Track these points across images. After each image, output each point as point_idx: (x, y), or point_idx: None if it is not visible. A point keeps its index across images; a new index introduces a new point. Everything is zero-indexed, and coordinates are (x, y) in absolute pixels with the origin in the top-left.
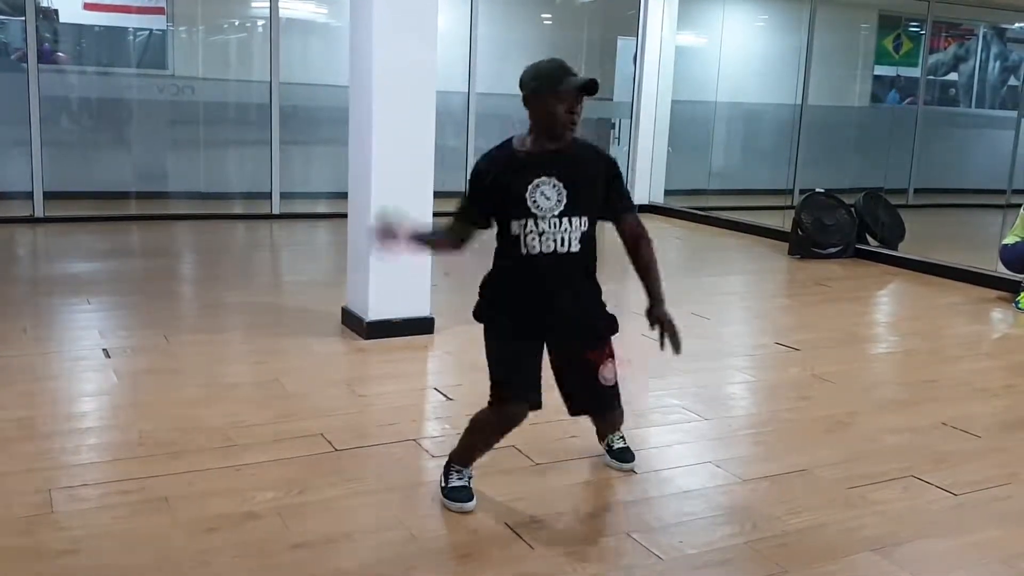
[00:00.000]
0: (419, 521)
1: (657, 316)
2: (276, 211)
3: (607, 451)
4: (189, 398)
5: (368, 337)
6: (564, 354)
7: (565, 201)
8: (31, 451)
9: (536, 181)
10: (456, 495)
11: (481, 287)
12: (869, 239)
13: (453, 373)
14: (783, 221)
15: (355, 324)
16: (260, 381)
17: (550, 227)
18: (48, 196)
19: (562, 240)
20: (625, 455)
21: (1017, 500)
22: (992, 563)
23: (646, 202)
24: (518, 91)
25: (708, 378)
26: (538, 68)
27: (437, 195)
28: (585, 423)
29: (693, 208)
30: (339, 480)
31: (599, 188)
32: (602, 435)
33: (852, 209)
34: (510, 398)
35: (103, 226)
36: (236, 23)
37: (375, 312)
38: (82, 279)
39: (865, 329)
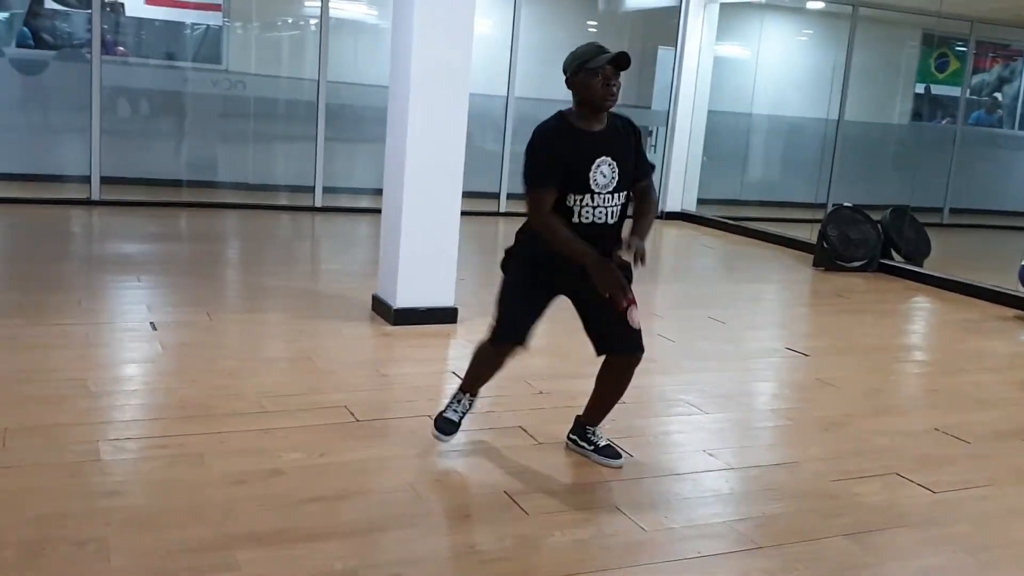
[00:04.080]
0: (426, 485)
1: (635, 245)
2: (319, 204)
3: (593, 450)
4: (226, 369)
5: (395, 323)
6: (593, 300)
7: (617, 178)
8: (83, 407)
9: (598, 160)
10: (440, 424)
11: (515, 243)
12: (894, 254)
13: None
14: (811, 234)
15: (384, 311)
16: (293, 357)
17: (603, 202)
18: (104, 180)
19: (610, 213)
20: (610, 451)
21: (993, 501)
22: (958, 553)
23: (678, 210)
24: (557, 97)
25: (714, 377)
26: (575, 51)
27: (468, 195)
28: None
29: (724, 217)
30: (357, 446)
31: (633, 157)
32: (591, 416)
33: (878, 224)
34: (499, 337)
35: (155, 211)
36: (288, 21)
37: (402, 300)
38: (133, 259)
39: (876, 340)
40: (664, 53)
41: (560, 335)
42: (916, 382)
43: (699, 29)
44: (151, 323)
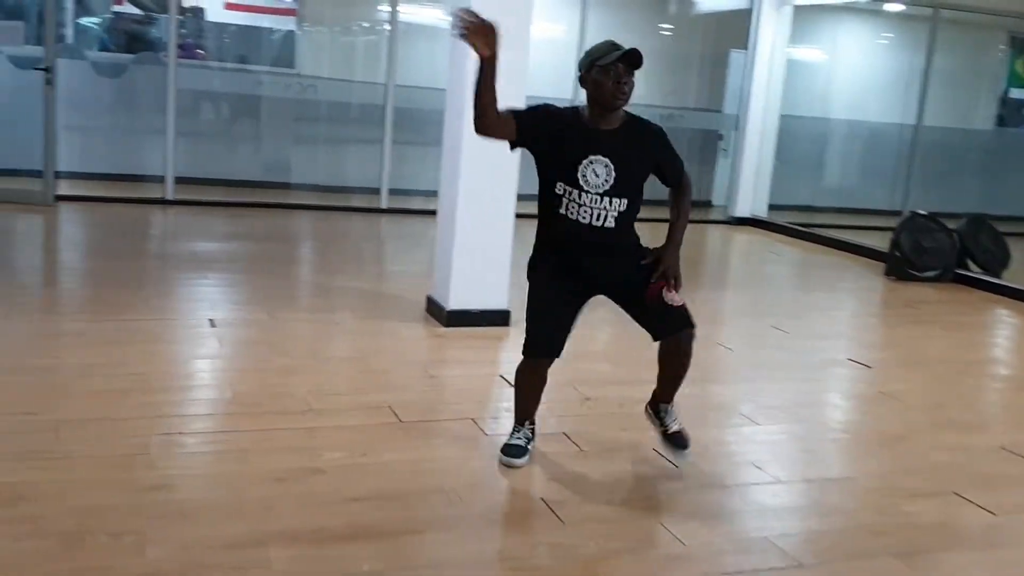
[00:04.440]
0: (465, 489)
1: (664, 257)
2: (384, 206)
3: (661, 435)
4: (280, 367)
5: (447, 325)
6: (625, 294)
7: (612, 182)
8: (138, 402)
9: (591, 157)
10: (507, 450)
11: (535, 248)
12: (970, 264)
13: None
14: (885, 242)
15: (437, 312)
16: (345, 357)
17: (590, 201)
18: (179, 180)
19: (598, 215)
20: (678, 440)
21: None
22: None
23: (748, 215)
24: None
25: (771, 388)
26: (588, 49)
27: (523, 197)
28: (638, 416)
29: (796, 224)
30: (399, 447)
31: (648, 165)
32: (662, 394)
33: (954, 233)
34: (531, 352)
35: (227, 211)
36: (360, 26)
37: (455, 302)
38: (202, 257)
39: (945, 352)
40: (737, 56)
41: (613, 339)
42: (985, 397)
43: (771, 32)
44: (210, 320)
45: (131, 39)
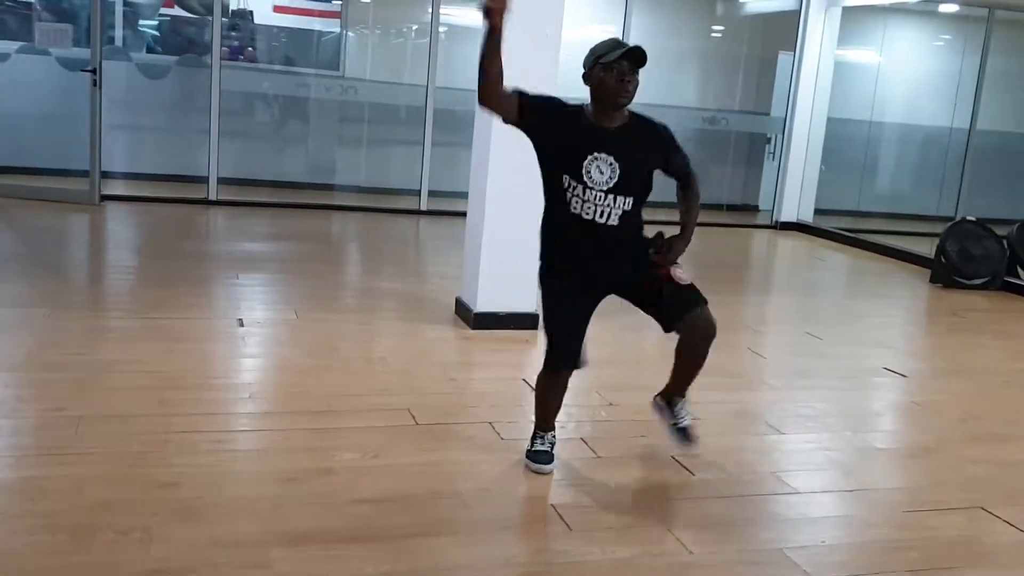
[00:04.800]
0: (475, 493)
1: (673, 246)
2: (423, 207)
3: (671, 428)
4: (302, 367)
5: (475, 327)
6: (632, 287)
7: (616, 179)
8: (158, 399)
9: (596, 154)
10: (536, 457)
11: (541, 250)
12: (1021, 272)
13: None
14: (933, 249)
15: (465, 314)
16: (369, 358)
17: (594, 198)
18: (221, 181)
19: (602, 213)
20: (687, 434)
21: None
22: None
23: (794, 219)
24: (669, 102)
25: (800, 396)
26: (593, 46)
27: None
28: (658, 422)
29: (842, 229)
30: (412, 450)
31: (654, 164)
32: (675, 387)
33: (1003, 240)
34: (555, 365)
35: (269, 212)
36: (404, 29)
37: (483, 304)
38: (238, 257)
39: (987, 362)
40: (784, 59)
41: (636, 344)
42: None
43: (819, 33)
44: (239, 320)
45: (183, 42)
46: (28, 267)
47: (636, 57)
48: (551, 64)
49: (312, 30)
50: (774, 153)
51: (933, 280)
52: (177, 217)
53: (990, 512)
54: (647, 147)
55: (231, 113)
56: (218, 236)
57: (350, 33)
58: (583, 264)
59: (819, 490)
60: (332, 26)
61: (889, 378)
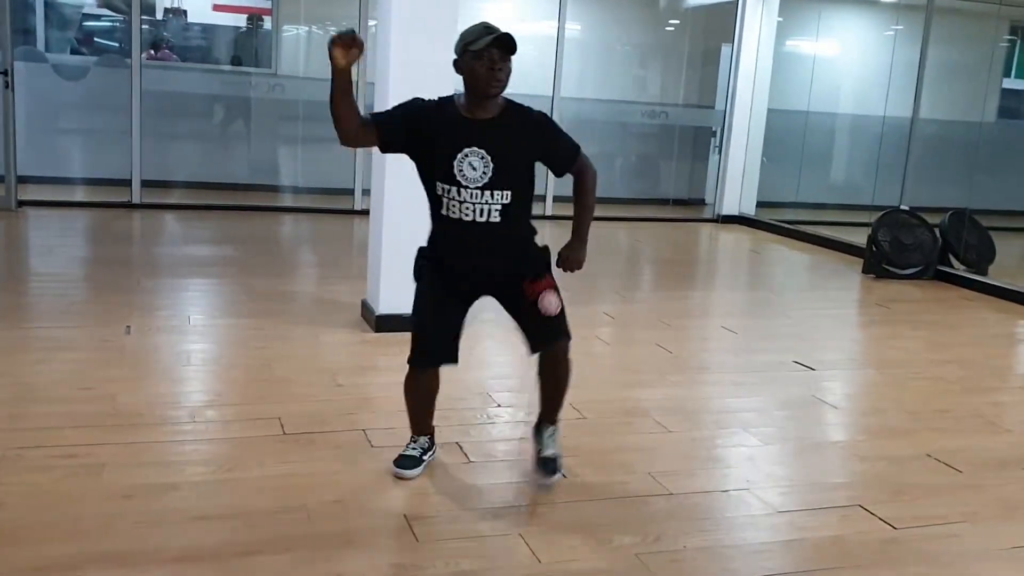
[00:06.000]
0: (324, 506)
1: (570, 258)
2: (359, 207)
3: (536, 455)
4: (179, 376)
5: (377, 330)
6: (509, 297)
7: (490, 174)
8: (9, 413)
9: (466, 150)
10: (400, 462)
11: (419, 255)
12: (954, 261)
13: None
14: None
15: (369, 317)
16: (253, 365)
17: (471, 197)
18: (145, 184)
19: (481, 211)
20: (548, 464)
21: (962, 540)
22: None
23: (735, 213)
24: (607, 96)
25: (697, 392)
26: (462, 32)
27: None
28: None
29: (781, 221)
30: (270, 462)
31: (532, 156)
32: (545, 411)
33: (935, 229)
34: (413, 361)
35: (195, 214)
36: (337, 25)
37: (385, 306)
38: (147, 262)
39: (901, 354)
40: (728, 51)
41: None
42: (929, 401)
43: (757, 25)
44: (127, 327)
45: (108, 42)
46: None
47: (506, 44)
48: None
49: (247, 28)
50: (720, 147)
51: (865, 270)
52: (97, 222)
53: (867, 509)
54: (521, 136)
55: (153, 114)
56: (134, 240)
57: (280, 29)
58: (461, 265)
59: (694, 491)
60: (262, 23)
61: (796, 372)
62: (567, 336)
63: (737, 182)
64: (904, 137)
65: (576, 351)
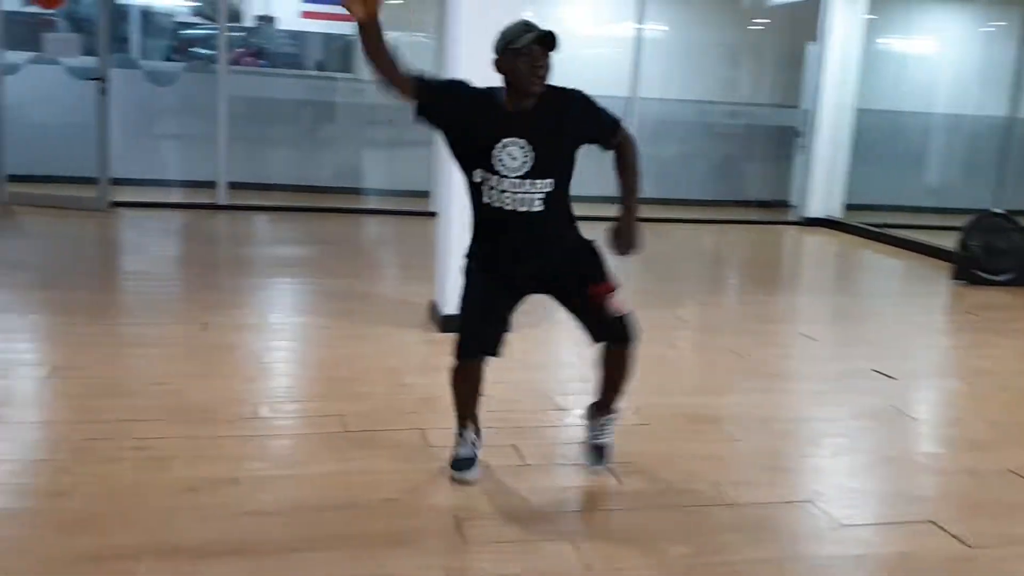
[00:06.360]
0: (377, 504)
1: (624, 239)
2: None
3: (587, 441)
4: (248, 372)
5: (443, 331)
6: (567, 296)
7: (531, 163)
8: (83, 406)
9: (505, 140)
10: (457, 465)
11: (467, 254)
12: None
13: (500, 372)
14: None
15: (436, 317)
16: (322, 363)
17: (511, 186)
18: (232, 186)
19: (522, 200)
20: (595, 454)
21: None
22: None
23: (822, 215)
24: (688, 97)
25: (770, 400)
26: (502, 30)
27: (580, 199)
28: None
29: (870, 225)
30: (329, 459)
31: (572, 137)
32: (603, 399)
33: None
34: (460, 352)
35: (279, 216)
36: (418, 30)
37: (450, 306)
38: (230, 261)
39: (988, 363)
40: (814, 49)
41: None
42: (1013, 415)
43: (843, 22)
44: (203, 324)
45: (195, 49)
46: (15, 273)
47: (547, 41)
48: None
49: (335, 34)
50: (805, 147)
51: (955, 276)
52: (183, 222)
53: (940, 526)
54: (560, 120)
55: (239, 118)
56: (218, 241)
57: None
58: (506, 259)
59: (756, 501)
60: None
61: (875, 381)
62: (634, 338)
63: (823, 184)
64: (1000, 137)
65: (644, 355)
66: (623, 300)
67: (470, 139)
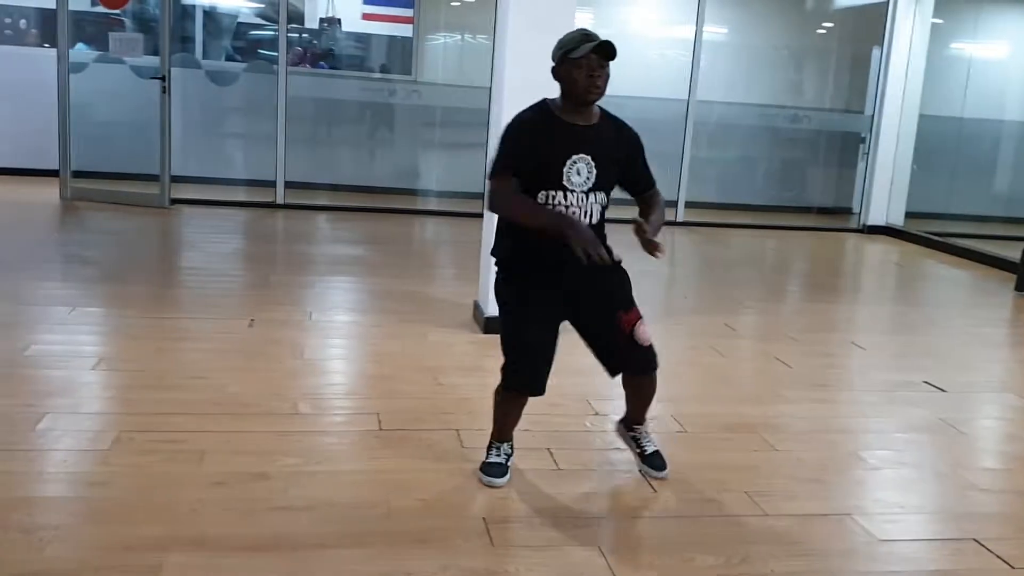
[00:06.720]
0: (406, 503)
1: (650, 223)
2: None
3: (639, 457)
4: (287, 369)
5: (485, 331)
6: (594, 320)
7: (594, 179)
8: (124, 397)
9: (575, 157)
10: (487, 470)
11: (498, 263)
12: None
13: None
14: None
15: (479, 318)
16: (361, 361)
17: (577, 201)
18: (289, 185)
19: (586, 212)
20: (656, 461)
21: None
22: None
23: (882, 223)
24: (748, 100)
25: (814, 411)
26: (560, 39)
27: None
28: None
29: (930, 233)
30: (361, 456)
31: (621, 164)
32: (634, 415)
33: None
34: (514, 386)
35: (335, 215)
36: (475, 32)
37: (494, 307)
38: (284, 259)
39: None
40: (878, 54)
41: None
42: None
43: (909, 26)
44: (251, 320)
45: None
46: (77, 267)
47: (606, 51)
48: None
49: (395, 36)
50: (868, 153)
51: (1019, 288)
52: (241, 220)
53: (983, 544)
54: (617, 147)
55: (298, 118)
56: (273, 239)
57: (422, 37)
58: (559, 272)
59: (791, 513)
60: (404, 30)
61: (926, 393)
62: (657, 365)
63: (885, 191)
64: None
65: (685, 361)
66: (649, 331)
67: (543, 163)
